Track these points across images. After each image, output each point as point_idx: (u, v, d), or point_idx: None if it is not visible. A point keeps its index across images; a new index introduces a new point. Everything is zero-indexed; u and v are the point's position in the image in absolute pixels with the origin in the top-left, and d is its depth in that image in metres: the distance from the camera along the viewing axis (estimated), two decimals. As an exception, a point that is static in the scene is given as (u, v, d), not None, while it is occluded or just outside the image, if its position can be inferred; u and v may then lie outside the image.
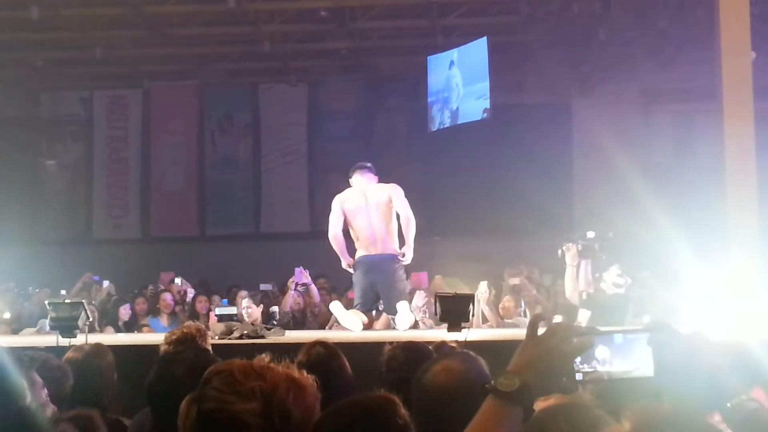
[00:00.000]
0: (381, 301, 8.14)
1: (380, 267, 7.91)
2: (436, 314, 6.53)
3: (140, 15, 13.75)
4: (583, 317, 7.85)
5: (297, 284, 9.88)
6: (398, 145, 16.09)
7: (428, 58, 14.65)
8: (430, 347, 4.23)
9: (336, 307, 7.93)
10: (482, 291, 8.57)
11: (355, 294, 8.02)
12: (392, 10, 14.11)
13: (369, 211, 7.95)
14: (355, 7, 13.84)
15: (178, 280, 11.10)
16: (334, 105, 16.64)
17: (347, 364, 4.05)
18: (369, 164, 8.21)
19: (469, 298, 6.31)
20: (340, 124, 16.62)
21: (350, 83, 16.60)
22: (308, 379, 2.30)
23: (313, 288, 10.06)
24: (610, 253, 7.96)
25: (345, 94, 16.66)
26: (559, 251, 8.03)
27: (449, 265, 11.93)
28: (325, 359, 4.02)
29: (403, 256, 7.90)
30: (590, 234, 7.91)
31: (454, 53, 14.13)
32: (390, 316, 7.93)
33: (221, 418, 2.15)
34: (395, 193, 7.99)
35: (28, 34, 14.41)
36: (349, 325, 7.76)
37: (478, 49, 13.53)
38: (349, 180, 8.19)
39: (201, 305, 10.12)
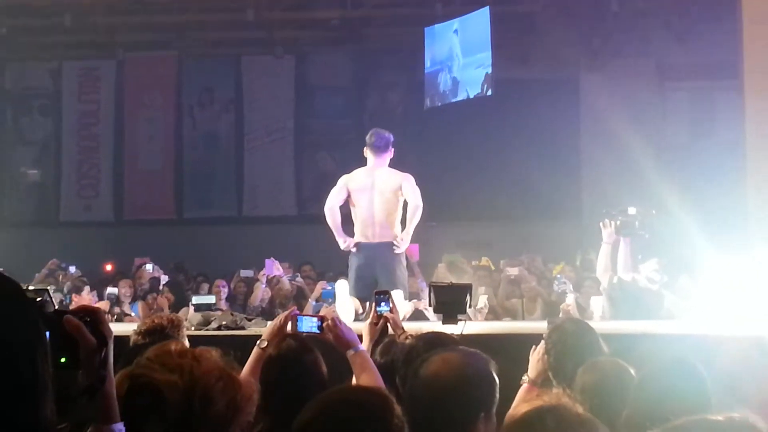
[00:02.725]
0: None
1: (380, 254, 7.88)
2: (430, 305, 6.51)
3: (114, -21, 13.69)
4: (595, 306, 7.83)
5: (267, 277, 9.87)
6: (393, 124, 15.87)
7: (425, 29, 14.59)
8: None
9: (341, 286, 7.88)
10: (481, 305, 8.57)
11: (350, 280, 7.98)
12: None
13: (373, 194, 7.92)
14: (346, -28, 13.80)
15: (149, 267, 11.04)
16: (324, 79, 16.56)
17: (321, 358, 4.03)
18: (386, 137, 8.08)
19: (466, 288, 6.28)
20: (329, 100, 16.54)
21: (341, 56, 16.53)
22: (250, 382, 2.36)
23: (285, 280, 10.04)
24: (653, 232, 7.87)
25: (335, 68, 16.59)
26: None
27: (447, 253, 11.92)
28: (297, 353, 4.01)
29: (401, 241, 7.87)
30: (632, 210, 7.82)
31: (453, 24, 14.08)
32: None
33: (141, 384, 2.31)
34: (407, 179, 7.95)
35: (-9, 0, 14.34)
36: (342, 311, 7.73)
37: (480, 20, 13.48)
38: (363, 149, 8.13)
39: (162, 299, 9.98)
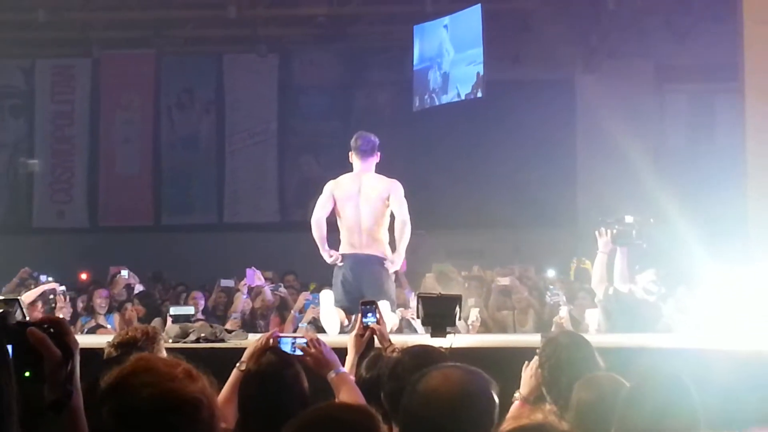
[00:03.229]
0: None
1: (367, 267, 7.85)
2: (418, 317, 6.50)
3: (90, -27, 13.68)
4: (591, 318, 7.83)
5: (248, 287, 9.85)
6: (381, 126, 15.82)
7: (414, 27, 14.61)
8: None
9: (326, 297, 7.86)
10: (473, 319, 8.56)
11: (336, 291, 7.95)
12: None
13: (359, 201, 7.89)
14: (333, -32, 13.81)
15: (124, 273, 11.00)
16: (309, 79, 16.57)
17: (303, 374, 4.03)
18: (372, 140, 8.06)
19: (456, 300, 6.27)
20: (315, 101, 16.55)
21: (327, 54, 16.53)
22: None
23: (267, 290, 10.02)
24: (650, 241, 7.88)
25: (321, 67, 16.59)
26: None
27: (434, 261, 11.91)
28: (277, 367, 4.01)
29: (392, 263, 7.85)
30: (628, 218, 7.82)
31: (444, 21, 14.10)
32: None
33: (176, 398, 2.23)
34: (395, 190, 7.91)
35: (-40, -6, 14.32)
36: (326, 323, 7.72)
37: (471, 18, 13.50)
38: (349, 153, 8.10)
39: (131, 311, 9.93)
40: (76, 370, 2.18)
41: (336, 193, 7.93)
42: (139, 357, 2.34)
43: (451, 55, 13.95)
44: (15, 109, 17.03)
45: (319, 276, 11.27)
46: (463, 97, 13.65)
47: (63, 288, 9.43)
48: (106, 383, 2.26)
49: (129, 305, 9.88)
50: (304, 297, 9.44)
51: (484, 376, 3.10)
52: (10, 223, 16.42)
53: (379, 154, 8.01)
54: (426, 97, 14.62)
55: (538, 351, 4.47)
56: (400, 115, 15.66)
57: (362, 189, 7.88)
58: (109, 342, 4.59)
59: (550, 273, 10.36)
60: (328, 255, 7.92)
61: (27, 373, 2.16)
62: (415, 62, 14.70)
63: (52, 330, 2.22)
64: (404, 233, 7.79)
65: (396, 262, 7.87)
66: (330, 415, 2.57)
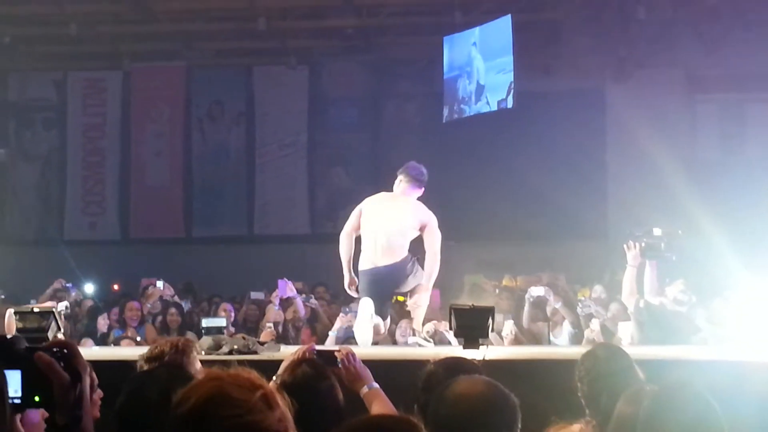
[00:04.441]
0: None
1: (393, 275, 7.85)
2: (450, 328, 6.50)
3: (121, -13, 13.79)
4: (623, 331, 7.81)
5: (280, 298, 9.86)
6: (410, 137, 16.00)
7: (444, 38, 14.61)
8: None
9: (364, 306, 7.83)
10: (507, 332, 8.55)
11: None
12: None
13: (390, 215, 7.90)
14: (362, -21, 13.84)
15: (159, 284, 11.04)
16: (338, 90, 16.59)
17: (338, 386, 4.04)
18: (423, 173, 8.14)
19: (489, 312, 6.27)
20: (344, 113, 16.57)
21: (356, 66, 16.54)
22: None
23: (299, 302, 10.04)
24: (680, 254, 7.86)
25: (350, 79, 16.61)
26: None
27: (465, 273, 11.91)
28: (311, 380, 4.01)
29: (420, 303, 7.91)
30: (657, 231, 7.82)
31: (474, 32, 14.10)
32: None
33: None
34: (431, 222, 7.95)
35: (-7, 8, 14.46)
36: (360, 333, 7.72)
37: (501, 29, 13.50)
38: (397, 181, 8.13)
39: (171, 318, 10.01)
40: (85, 393, 2.17)
41: (366, 206, 7.94)
42: (212, 378, 2.27)
43: (482, 64, 13.95)
44: (47, 121, 17.17)
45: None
46: (494, 107, 13.64)
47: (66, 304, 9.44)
48: (183, 409, 2.21)
49: (173, 309, 9.96)
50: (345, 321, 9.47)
51: (504, 388, 3.15)
52: (43, 235, 16.57)
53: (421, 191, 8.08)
54: (456, 107, 14.62)
55: (577, 364, 4.44)
56: (429, 126, 15.65)
57: (397, 206, 7.89)
58: (141, 355, 4.62)
59: (597, 290, 10.27)
60: (348, 283, 7.94)
61: (36, 398, 2.16)
62: (444, 72, 14.70)
63: (60, 354, 2.20)
64: (435, 268, 7.83)
65: (423, 299, 7.88)
66: (376, 425, 2.58)
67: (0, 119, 17.03)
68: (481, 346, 6.04)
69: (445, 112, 14.67)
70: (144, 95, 16.95)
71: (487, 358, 5.78)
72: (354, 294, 7.95)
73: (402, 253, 7.88)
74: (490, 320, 6.20)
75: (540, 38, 15.01)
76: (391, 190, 8.10)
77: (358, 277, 7.96)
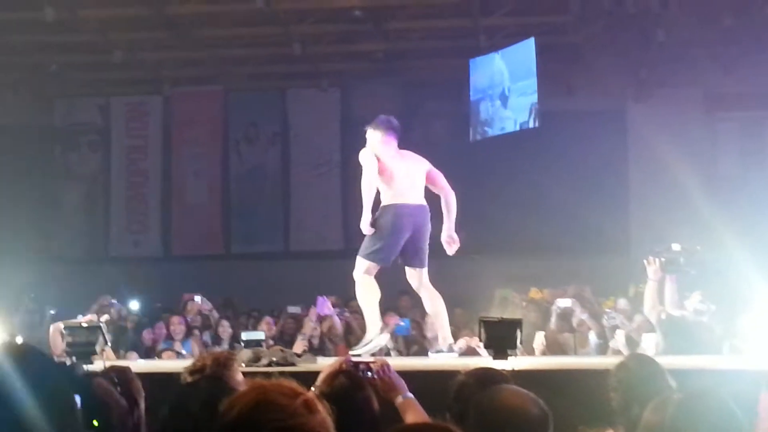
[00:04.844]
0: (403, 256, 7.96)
1: (421, 217, 7.87)
2: (481, 340, 6.49)
3: (161, 16, 13.89)
4: (648, 343, 7.77)
5: (318, 315, 9.88)
6: (438, 155, 15.73)
7: (470, 60, 14.63)
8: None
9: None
10: (538, 343, 8.53)
11: (375, 241, 7.81)
12: (431, 9, 14.14)
13: (408, 162, 7.87)
14: (391, 6, 13.87)
15: (197, 299, 11.07)
16: (369, 111, 16.45)
17: (374, 397, 4.04)
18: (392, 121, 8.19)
19: (517, 324, 6.27)
20: (374, 132, 16.58)
21: (386, 88, 16.56)
22: None
23: (336, 320, 10.04)
24: (700, 269, 7.84)
25: (380, 100, 16.56)
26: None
27: (492, 287, 11.87)
28: (348, 390, 4.01)
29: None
30: (676, 246, 7.80)
31: (498, 55, 14.12)
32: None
33: None
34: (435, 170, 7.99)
35: (42, 37, 14.63)
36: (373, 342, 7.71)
37: (525, 51, 13.50)
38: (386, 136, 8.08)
39: (222, 330, 10.10)
40: (142, 417, 2.19)
41: (379, 152, 8.01)
42: (256, 387, 2.30)
43: (506, 86, 13.95)
44: (92, 144, 17.31)
45: (381, 301, 11.34)
46: (517, 128, 13.64)
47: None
48: (229, 417, 2.24)
49: (224, 322, 10.02)
50: (394, 321, 9.49)
51: (538, 399, 3.16)
52: (89, 253, 16.69)
53: None
54: (479, 128, 14.64)
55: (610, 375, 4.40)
56: (457, 145, 15.63)
57: (411, 155, 8.27)
58: (184, 368, 4.65)
59: (621, 302, 10.21)
60: (368, 222, 7.85)
61: (95, 423, 2.18)
62: (470, 95, 14.72)
63: (116, 379, 2.23)
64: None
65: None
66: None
67: (47, 143, 17.20)
68: (509, 357, 6.04)
69: (472, 133, 14.69)
70: (183, 118, 17.07)
71: (515, 368, 5.78)
72: (369, 231, 7.78)
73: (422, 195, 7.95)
74: (519, 332, 6.20)
75: (562, 60, 15.00)
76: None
77: (380, 216, 7.83)
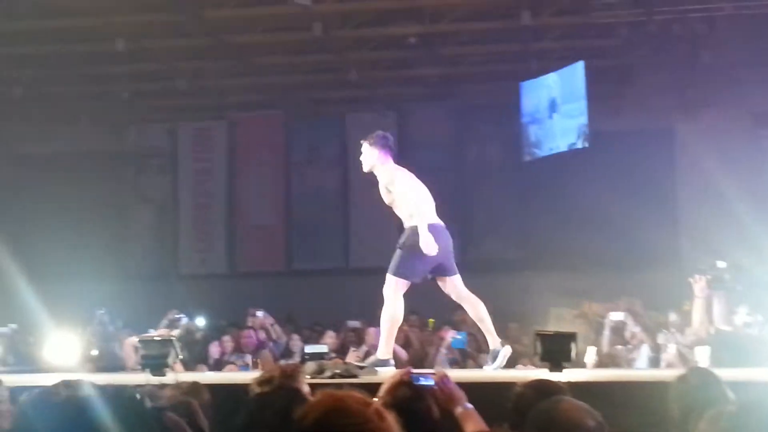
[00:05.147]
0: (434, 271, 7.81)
1: (447, 237, 7.86)
2: (536, 353, 6.46)
3: (224, 45, 14.07)
4: (701, 355, 7.68)
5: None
6: (492, 176, 16.02)
7: (521, 84, 14.62)
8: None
9: None
10: (591, 356, 8.47)
11: (410, 259, 7.74)
12: (482, 35, 14.14)
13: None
14: (443, 32, 13.90)
15: (259, 314, 11.13)
16: (425, 134, 16.64)
17: (435, 408, 4.04)
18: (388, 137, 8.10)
19: (572, 337, 6.24)
20: (430, 154, 16.55)
21: (440, 111, 16.62)
22: None
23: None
24: (746, 284, 7.73)
25: (435, 123, 16.68)
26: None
27: (545, 302, 11.82)
28: (410, 401, 4.01)
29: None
30: (721, 264, 7.70)
31: (549, 78, 14.09)
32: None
33: None
34: None
35: (113, 67, 14.89)
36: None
37: (574, 74, 13.48)
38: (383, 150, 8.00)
39: (293, 343, 10.18)
40: None
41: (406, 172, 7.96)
42: (328, 396, 2.35)
43: (555, 109, 13.92)
44: (162, 167, 17.54)
45: (438, 314, 11.37)
46: (566, 149, 13.62)
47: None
48: (306, 423, 2.28)
49: (296, 336, 10.09)
50: (450, 334, 9.47)
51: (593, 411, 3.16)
52: (159, 270, 16.92)
53: None
54: (530, 149, 14.63)
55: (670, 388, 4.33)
56: (509, 165, 15.63)
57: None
58: (253, 379, 4.69)
59: (673, 317, 10.09)
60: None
61: None
62: (522, 117, 14.71)
63: (183, 413, 2.27)
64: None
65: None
66: None
67: (121, 166, 17.47)
68: (564, 369, 6.01)
69: (524, 153, 14.68)
70: (247, 142, 17.23)
71: (571, 380, 5.74)
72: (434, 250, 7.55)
73: None
74: (574, 345, 6.17)
75: (611, 81, 14.95)
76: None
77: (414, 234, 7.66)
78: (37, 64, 14.64)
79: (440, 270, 7.66)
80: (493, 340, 7.70)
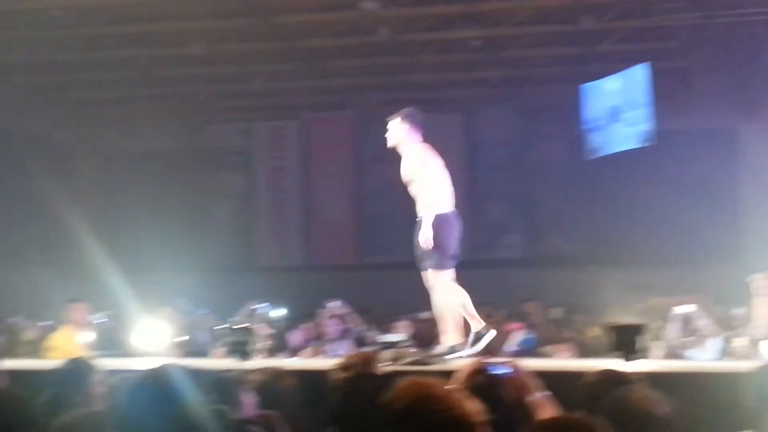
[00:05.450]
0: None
1: (460, 224, 7.79)
2: (606, 344, 6.45)
3: (296, 48, 14.19)
4: (765, 348, 7.60)
5: None
6: (555, 174, 15.95)
7: (582, 86, 14.54)
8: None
9: None
10: (658, 348, 8.40)
11: (449, 249, 7.65)
12: (545, 38, 14.07)
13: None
14: (507, 36, 13.86)
15: (336, 304, 11.19)
16: (489, 134, 16.64)
17: (509, 395, 4.05)
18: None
19: (642, 328, 6.22)
20: (495, 154, 16.60)
21: (505, 112, 16.58)
22: None
23: None
24: None
25: (499, 123, 16.65)
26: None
27: (609, 295, 11.74)
28: (485, 388, 4.03)
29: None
30: None
31: (610, 82, 13.98)
32: None
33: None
34: None
35: (191, 70, 15.11)
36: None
37: (637, 76, 13.36)
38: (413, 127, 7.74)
39: (369, 332, 10.23)
40: None
41: (432, 156, 7.80)
42: (415, 382, 2.40)
43: (617, 112, 13.81)
44: (238, 165, 17.77)
45: (505, 304, 11.37)
46: (632, 146, 13.50)
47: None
48: (397, 406, 2.33)
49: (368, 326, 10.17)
50: (518, 329, 9.46)
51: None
52: (238, 262, 17.10)
53: None
54: (593, 150, 14.54)
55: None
56: (572, 164, 15.53)
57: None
58: (334, 365, 4.75)
59: (738, 311, 9.97)
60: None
61: None
62: (583, 121, 14.62)
63: (265, 426, 2.32)
64: None
65: None
66: (562, 424, 2.64)
67: (200, 164, 17.72)
68: (635, 360, 6.00)
69: (587, 153, 14.59)
70: (318, 140, 17.36)
71: (640, 371, 5.72)
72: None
73: None
74: (643, 336, 6.16)
75: (673, 83, 14.76)
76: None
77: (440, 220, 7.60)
78: (121, 67, 14.92)
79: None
80: (477, 324, 7.55)
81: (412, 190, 7.49)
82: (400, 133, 7.57)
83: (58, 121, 16.91)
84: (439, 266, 7.44)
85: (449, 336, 7.47)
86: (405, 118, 7.49)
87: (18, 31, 13.07)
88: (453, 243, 7.46)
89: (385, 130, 7.45)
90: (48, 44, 13.75)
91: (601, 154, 14.25)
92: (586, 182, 15.24)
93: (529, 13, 13.16)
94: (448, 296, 7.44)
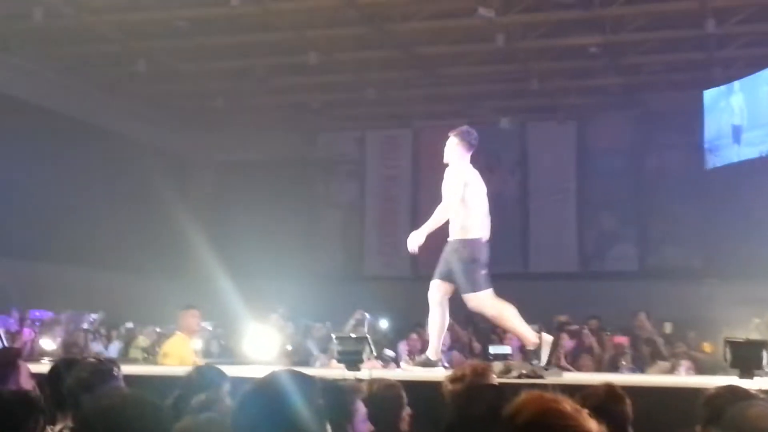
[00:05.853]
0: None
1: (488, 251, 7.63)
2: (726, 360, 6.26)
3: (411, 56, 14.23)
4: None
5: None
6: (672, 183, 15.59)
7: (704, 92, 14.17)
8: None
9: None
10: None
11: (484, 278, 7.56)
12: (666, 44, 13.79)
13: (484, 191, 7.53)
14: (626, 42, 13.62)
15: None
16: (604, 142, 16.38)
17: (629, 410, 3.98)
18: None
19: (763, 345, 6.02)
20: (609, 162, 16.32)
21: (620, 120, 16.30)
22: None
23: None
24: None
25: (615, 131, 16.38)
26: None
27: (726, 309, 11.41)
28: (605, 403, 3.98)
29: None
30: None
31: (734, 86, 13.60)
32: None
33: None
34: None
35: (305, 78, 15.30)
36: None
37: (761, 82, 12.96)
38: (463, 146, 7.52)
39: (474, 345, 10.19)
40: None
41: (467, 178, 7.63)
42: (538, 396, 2.38)
43: (739, 138, 13.44)
44: (350, 173, 17.94)
45: (617, 322, 11.14)
46: (756, 156, 13.12)
47: None
48: (520, 419, 2.32)
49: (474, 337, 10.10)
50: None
51: None
52: (346, 271, 17.25)
53: None
54: (716, 157, 14.17)
55: None
56: (691, 173, 15.14)
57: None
58: (446, 376, 4.72)
59: None
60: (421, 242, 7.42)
61: None
62: (705, 131, 14.26)
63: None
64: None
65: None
66: None
67: (312, 172, 17.97)
68: (755, 377, 5.82)
69: (707, 161, 14.23)
70: (431, 149, 17.20)
71: (762, 388, 5.54)
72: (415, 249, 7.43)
73: None
74: (765, 352, 5.97)
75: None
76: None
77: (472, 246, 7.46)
78: (237, 77, 15.25)
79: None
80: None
81: (447, 210, 7.32)
82: (455, 152, 7.48)
83: (175, 129, 17.37)
84: (479, 289, 7.37)
85: (531, 344, 7.43)
86: (457, 135, 7.46)
87: (142, 41, 13.49)
88: (482, 267, 7.38)
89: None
90: (170, 53, 14.16)
91: (721, 164, 13.87)
92: (704, 192, 14.84)
93: (648, 18, 12.90)
94: (501, 312, 7.45)
